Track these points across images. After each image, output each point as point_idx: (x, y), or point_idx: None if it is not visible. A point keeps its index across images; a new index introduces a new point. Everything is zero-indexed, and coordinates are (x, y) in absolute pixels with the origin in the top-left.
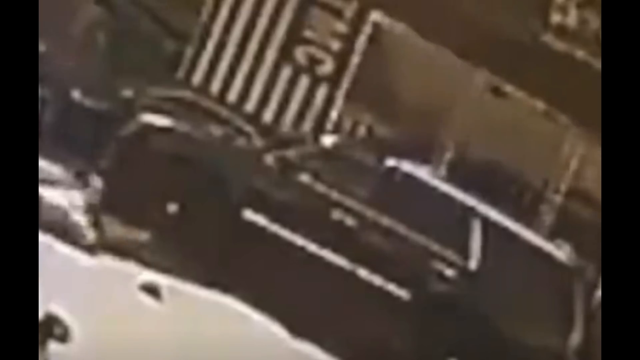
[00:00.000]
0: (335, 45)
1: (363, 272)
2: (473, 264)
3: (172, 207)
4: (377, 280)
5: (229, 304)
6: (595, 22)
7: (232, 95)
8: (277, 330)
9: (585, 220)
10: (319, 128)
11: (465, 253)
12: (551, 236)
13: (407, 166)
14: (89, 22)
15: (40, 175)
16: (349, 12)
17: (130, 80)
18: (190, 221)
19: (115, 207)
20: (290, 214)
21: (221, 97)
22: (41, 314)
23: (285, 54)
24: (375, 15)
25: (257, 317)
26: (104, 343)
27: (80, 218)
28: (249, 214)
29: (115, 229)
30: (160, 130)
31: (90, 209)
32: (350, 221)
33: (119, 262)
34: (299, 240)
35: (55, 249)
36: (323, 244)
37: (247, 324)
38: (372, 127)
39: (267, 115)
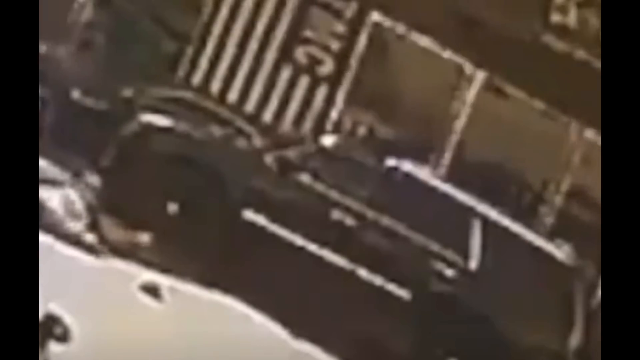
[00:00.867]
0: (335, 45)
1: (363, 272)
2: (473, 264)
3: (172, 207)
4: (377, 280)
5: (229, 304)
6: (595, 22)
7: (232, 96)
8: (278, 330)
9: (585, 221)
10: (319, 128)
11: (465, 253)
12: (551, 236)
13: (407, 166)
14: (89, 22)
15: (40, 175)
16: (349, 12)
17: (130, 80)
18: (190, 221)
19: (115, 207)
20: (290, 214)
21: (221, 97)
22: (41, 314)
23: (285, 54)
24: (375, 15)
25: (258, 318)
26: (104, 343)
27: (80, 218)
28: (249, 214)
29: (115, 229)
30: (160, 130)
31: (90, 209)
32: (350, 221)
33: (119, 262)
34: (299, 240)
35: (56, 249)
36: (323, 244)
37: (247, 324)
38: (372, 128)
39: (267, 115)
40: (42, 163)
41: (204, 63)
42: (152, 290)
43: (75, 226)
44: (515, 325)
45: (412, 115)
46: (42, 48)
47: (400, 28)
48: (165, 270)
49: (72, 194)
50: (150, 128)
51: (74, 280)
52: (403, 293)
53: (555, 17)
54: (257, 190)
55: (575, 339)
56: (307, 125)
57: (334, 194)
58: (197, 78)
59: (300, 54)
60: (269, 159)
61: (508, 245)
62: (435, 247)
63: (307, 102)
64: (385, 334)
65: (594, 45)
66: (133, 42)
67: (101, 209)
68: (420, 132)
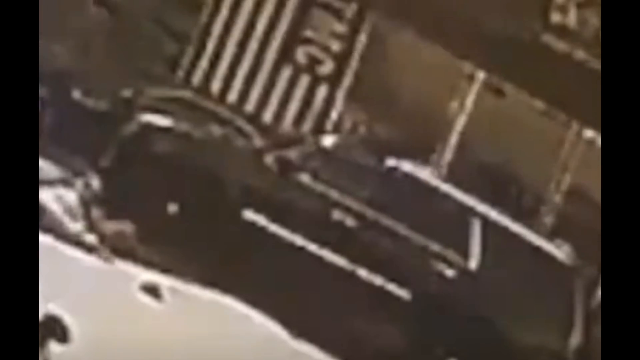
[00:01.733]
0: (335, 45)
1: (363, 272)
2: (473, 264)
3: (172, 207)
4: (377, 280)
5: (229, 304)
6: (595, 22)
7: (232, 95)
8: (277, 330)
9: (585, 221)
10: (319, 128)
11: (465, 253)
12: (551, 236)
13: (407, 166)
14: (89, 22)
15: (40, 176)
16: (349, 12)
17: (130, 80)
18: (190, 221)
19: (115, 207)
20: (290, 214)
21: (221, 97)
22: (41, 314)
23: (285, 54)
24: (375, 16)
25: (257, 318)
26: (104, 343)
27: (79, 218)
28: (249, 214)
29: (115, 229)
30: (160, 130)
31: (90, 209)
32: (350, 221)
33: (118, 262)
34: (299, 241)
35: (55, 249)
36: (323, 244)
37: (247, 324)
38: (372, 127)
39: (267, 115)
40: (42, 163)
41: (204, 63)
42: (152, 290)
43: (75, 226)
44: (515, 325)
45: (412, 116)
46: (43, 48)
47: (400, 28)
48: (165, 270)
49: (72, 194)
50: (150, 128)
51: (74, 280)
52: (403, 293)
53: (555, 17)
54: (257, 190)
55: (575, 339)
56: (307, 125)
57: (334, 194)
58: (197, 78)
59: (301, 54)
60: (269, 159)
61: (508, 245)
62: (435, 247)
63: (307, 102)
64: (386, 334)
65: (593, 45)
66: (133, 42)
67: (101, 208)
68: (420, 132)
